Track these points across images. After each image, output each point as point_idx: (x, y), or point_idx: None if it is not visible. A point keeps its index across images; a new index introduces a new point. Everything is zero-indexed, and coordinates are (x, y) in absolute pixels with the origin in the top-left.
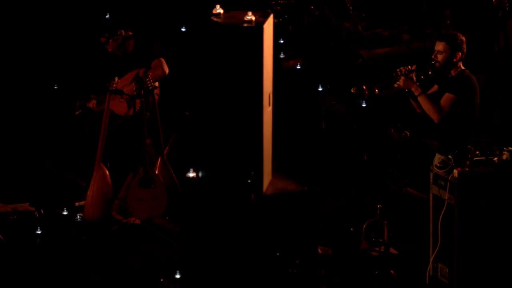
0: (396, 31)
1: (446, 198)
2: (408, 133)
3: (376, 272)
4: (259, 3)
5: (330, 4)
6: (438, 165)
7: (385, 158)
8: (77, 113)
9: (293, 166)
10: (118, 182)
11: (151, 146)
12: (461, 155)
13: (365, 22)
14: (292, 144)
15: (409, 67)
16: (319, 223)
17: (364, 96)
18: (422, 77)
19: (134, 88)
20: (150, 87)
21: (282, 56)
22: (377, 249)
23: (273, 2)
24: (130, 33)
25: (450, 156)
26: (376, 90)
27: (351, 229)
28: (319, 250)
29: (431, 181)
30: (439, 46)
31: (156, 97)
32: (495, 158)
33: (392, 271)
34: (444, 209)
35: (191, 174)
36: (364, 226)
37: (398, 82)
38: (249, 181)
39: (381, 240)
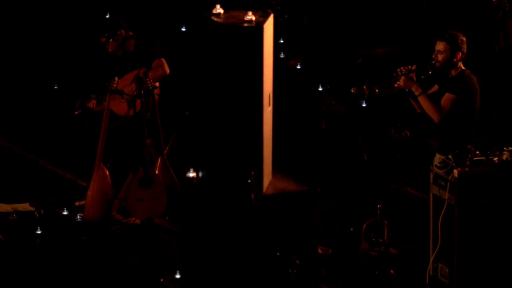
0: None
1: (446, 198)
2: (408, 133)
3: (376, 272)
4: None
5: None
6: (438, 165)
7: (385, 158)
8: (76, 113)
9: (293, 166)
10: (118, 182)
11: (151, 146)
12: (461, 155)
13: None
14: (292, 144)
15: (410, 67)
16: (319, 223)
17: (364, 96)
18: (423, 77)
19: (134, 88)
20: (151, 87)
21: (282, 56)
22: (377, 249)
23: (273, 2)
24: (131, 33)
25: (450, 156)
26: (376, 90)
27: (351, 229)
28: (319, 250)
29: (431, 181)
30: (440, 46)
31: (157, 97)
32: (495, 158)
33: (392, 271)
34: (444, 209)
35: (191, 174)
36: (364, 226)
37: (398, 82)
38: (249, 181)
39: (381, 240)
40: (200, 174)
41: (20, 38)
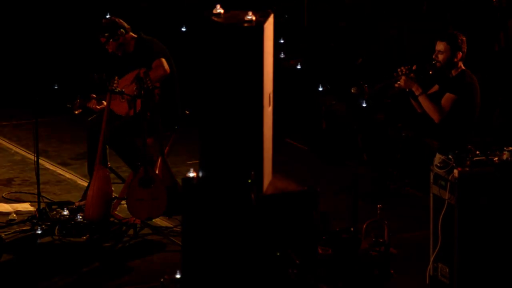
0: None
1: (447, 198)
2: (408, 133)
3: (376, 272)
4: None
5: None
6: (439, 165)
7: (385, 158)
8: (77, 112)
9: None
10: (118, 182)
11: (151, 146)
12: (461, 155)
13: None
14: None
15: (410, 66)
16: (319, 223)
17: (364, 96)
18: (423, 77)
19: (134, 88)
20: (151, 87)
21: (282, 56)
22: (377, 249)
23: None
24: (131, 34)
25: (450, 156)
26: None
27: (351, 229)
28: (319, 250)
29: (431, 181)
30: (440, 46)
31: (157, 97)
32: (495, 158)
33: (392, 271)
34: (444, 209)
35: (191, 174)
36: (364, 226)
37: (399, 82)
38: (249, 181)
39: (381, 240)
40: (200, 174)
41: (20, 38)
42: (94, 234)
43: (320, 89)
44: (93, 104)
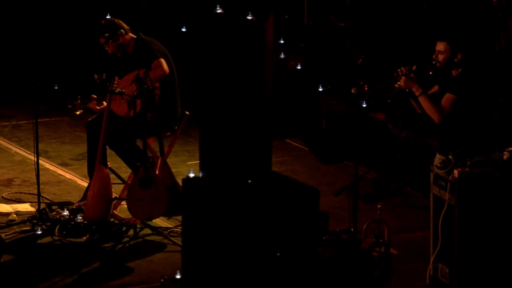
0: None
1: (447, 198)
2: (408, 133)
3: (376, 272)
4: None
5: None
6: (439, 165)
7: (385, 158)
8: (78, 113)
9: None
10: (118, 182)
11: (151, 146)
12: (461, 155)
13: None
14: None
15: (410, 67)
16: (319, 223)
17: (365, 96)
18: (423, 77)
19: (134, 89)
20: (151, 87)
21: (282, 56)
22: (377, 249)
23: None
24: (130, 34)
25: (450, 156)
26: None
27: (351, 229)
28: (319, 251)
29: (431, 181)
30: (440, 46)
31: (157, 97)
32: (495, 158)
33: (391, 272)
34: (444, 209)
35: (191, 174)
36: (364, 226)
37: (399, 82)
38: (249, 181)
39: (381, 240)
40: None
41: (20, 38)
42: (94, 235)
43: (320, 89)
44: (93, 105)
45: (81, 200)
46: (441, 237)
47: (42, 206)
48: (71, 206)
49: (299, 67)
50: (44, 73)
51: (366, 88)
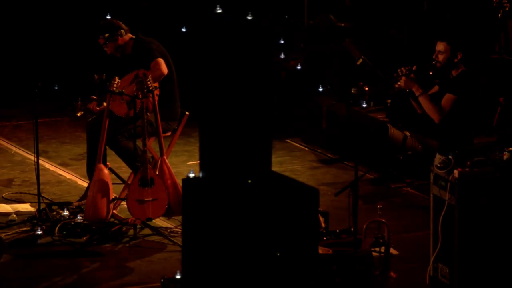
0: None
1: (447, 198)
2: (408, 133)
3: (376, 272)
4: (259, 3)
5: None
6: (439, 165)
7: (385, 158)
8: (79, 114)
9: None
10: (118, 182)
11: (151, 146)
12: (461, 155)
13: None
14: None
15: (410, 67)
16: (319, 223)
17: (365, 96)
18: (423, 77)
19: (134, 89)
20: (151, 88)
21: (282, 56)
22: (377, 249)
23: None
24: (129, 35)
25: (450, 157)
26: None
27: (351, 229)
28: (319, 250)
29: (431, 181)
30: (440, 46)
31: (156, 97)
32: (495, 158)
33: (392, 272)
34: (444, 209)
35: (191, 174)
36: (364, 226)
37: (399, 83)
38: (249, 181)
39: (381, 240)
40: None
41: (20, 38)
42: (94, 235)
43: (321, 89)
44: (93, 106)
45: (80, 199)
46: (441, 237)
47: (42, 206)
48: (71, 207)
49: (299, 67)
50: (44, 73)
51: (366, 89)
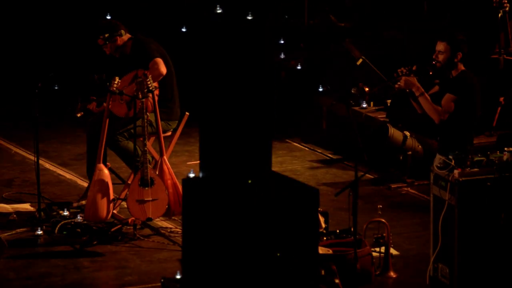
0: None
1: (447, 198)
2: (408, 133)
3: (377, 272)
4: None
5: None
6: (439, 165)
7: (385, 158)
8: (79, 115)
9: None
10: (118, 182)
11: (151, 146)
12: (461, 156)
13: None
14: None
15: (410, 67)
16: (319, 223)
17: (365, 96)
18: (423, 77)
19: (134, 89)
20: (151, 88)
21: (282, 56)
22: (377, 249)
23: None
24: (128, 35)
25: (450, 157)
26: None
27: (351, 229)
28: (319, 250)
29: (431, 181)
30: (440, 46)
31: (156, 97)
32: (495, 159)
33: (392, 272)
34: (444, 209)
35: (191, 174)
36: (364, 226)
37: (399, 83)
38: (249, 181)
39: (381, 241)
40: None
41: (20, 39)
42: (94, 235)
43: (321, 89)
44: (93, 106)
45: (80, 199)
46: (441, 237)
47: (42, 206)
48: (70, 207)
49: (299, 67)
50: (44, 73)
51: (366, 89)
